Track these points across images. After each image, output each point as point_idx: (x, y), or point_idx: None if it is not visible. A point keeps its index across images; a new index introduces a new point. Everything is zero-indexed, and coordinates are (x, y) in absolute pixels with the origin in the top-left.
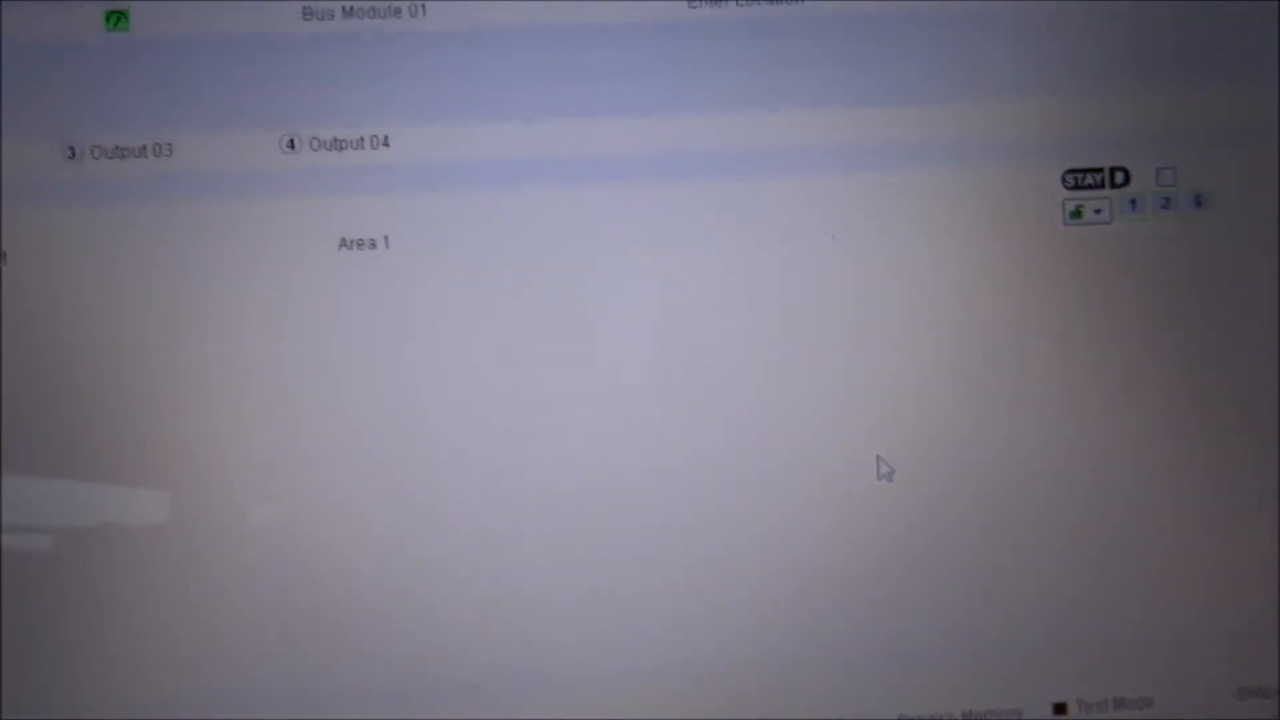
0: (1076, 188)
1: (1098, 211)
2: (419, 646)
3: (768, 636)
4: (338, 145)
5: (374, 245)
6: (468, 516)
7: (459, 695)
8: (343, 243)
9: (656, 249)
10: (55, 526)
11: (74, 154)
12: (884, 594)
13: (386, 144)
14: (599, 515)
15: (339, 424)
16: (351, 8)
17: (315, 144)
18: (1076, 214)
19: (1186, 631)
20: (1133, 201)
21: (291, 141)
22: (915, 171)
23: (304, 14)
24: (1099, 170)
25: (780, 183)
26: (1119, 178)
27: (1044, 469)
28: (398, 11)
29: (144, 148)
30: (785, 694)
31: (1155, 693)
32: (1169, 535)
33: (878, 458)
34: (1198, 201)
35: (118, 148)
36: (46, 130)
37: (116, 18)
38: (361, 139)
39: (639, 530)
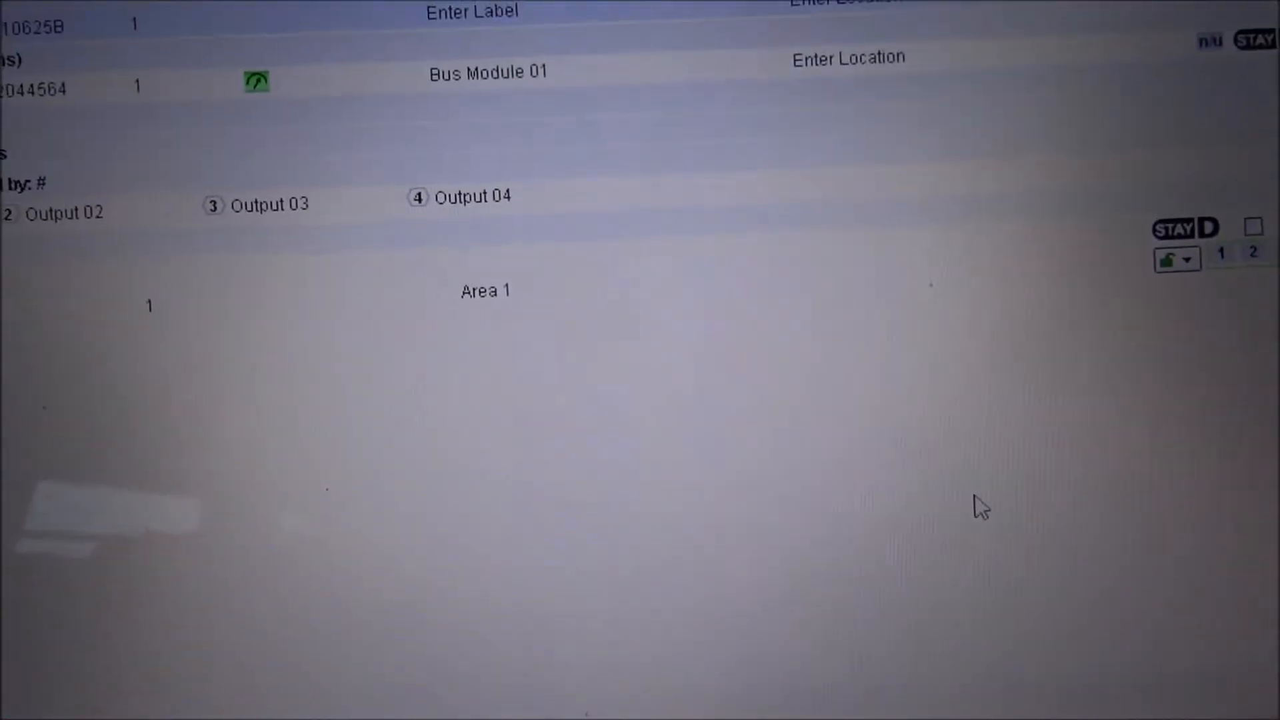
0: (1167, 237)
1: (1187, 260)
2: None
3: (864, 672)
4: (462, 198)
5: (495, 293)
6: (568, 554)
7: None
8: (466, 290)
9: (762, 296)
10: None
11: (216, 207)
12: (980, 631)
13: (508, 197)
14: (704, 553)
15: (460, 463)
16: (476, 68)
17: (441, 197)
18: (1167, 262)
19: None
20: (1221, 250)
21: (419, 195)
22: (1011, 221)
23: (431, 75)
24: (1189, 220)
25: (880, 233)
26: (1208, 227)
27: (1137, 508)
28: (519, 71)
29: (281, 201)
30: None
31: None
32: (1265, 575)
33: (974, 497)
34: None
35: (257, 201)
36: (190, 184)
37: (256, 79)
38: (484, 192)
39: (739, 571)
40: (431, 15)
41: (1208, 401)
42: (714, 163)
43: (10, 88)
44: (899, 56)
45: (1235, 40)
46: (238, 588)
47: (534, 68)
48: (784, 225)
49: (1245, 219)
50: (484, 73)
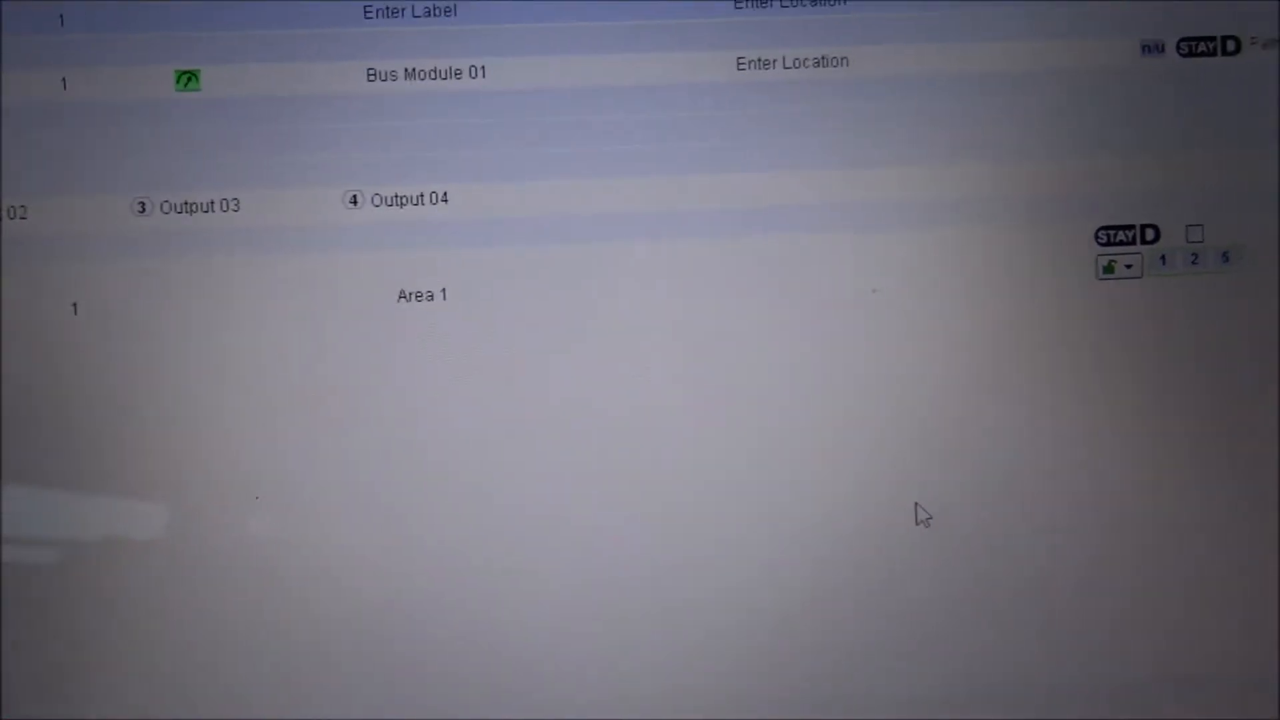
0: (1109, 244)
1: (1129, 267)
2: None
3: (806, 682)
4: (399, 201)
5: (432, 297)
6: (514, 560)
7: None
8: (402, 294)
9: (703, 302)
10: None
11: (144, 209)
12: (923, 639)
13: (445, 200)
14: (637, 562)
15: (395, 469)
16: (414, 69)
17: (377, 200)
18: (1109, 269)
19: (1218, 673)
20: (1163, 257)
21: (355, 198)
22: (955, 227)
23: (368, 75)
24: (1130, 227)
25: (824, 238)
26: (1150, 235)
27: (1079, 513)
28: (458, 73)
29: (212, 203)
30: None
31: None
32: (1199, 580)
33: (915, 504)
34: (1225, 258)
35: (187, 203)
36: (119, 186)
37: (188, 78)
38: (421, 195)
39: (677, 578)
40: (368, 15)
41: (1150, 407)
42: (655, 167)
43: None
44: (843, 61)
45: (1178, 48)
46: (162, 591)
47: (473, 69)
48: (725, 230)
49: (1187, 226)
50: (422, 74)
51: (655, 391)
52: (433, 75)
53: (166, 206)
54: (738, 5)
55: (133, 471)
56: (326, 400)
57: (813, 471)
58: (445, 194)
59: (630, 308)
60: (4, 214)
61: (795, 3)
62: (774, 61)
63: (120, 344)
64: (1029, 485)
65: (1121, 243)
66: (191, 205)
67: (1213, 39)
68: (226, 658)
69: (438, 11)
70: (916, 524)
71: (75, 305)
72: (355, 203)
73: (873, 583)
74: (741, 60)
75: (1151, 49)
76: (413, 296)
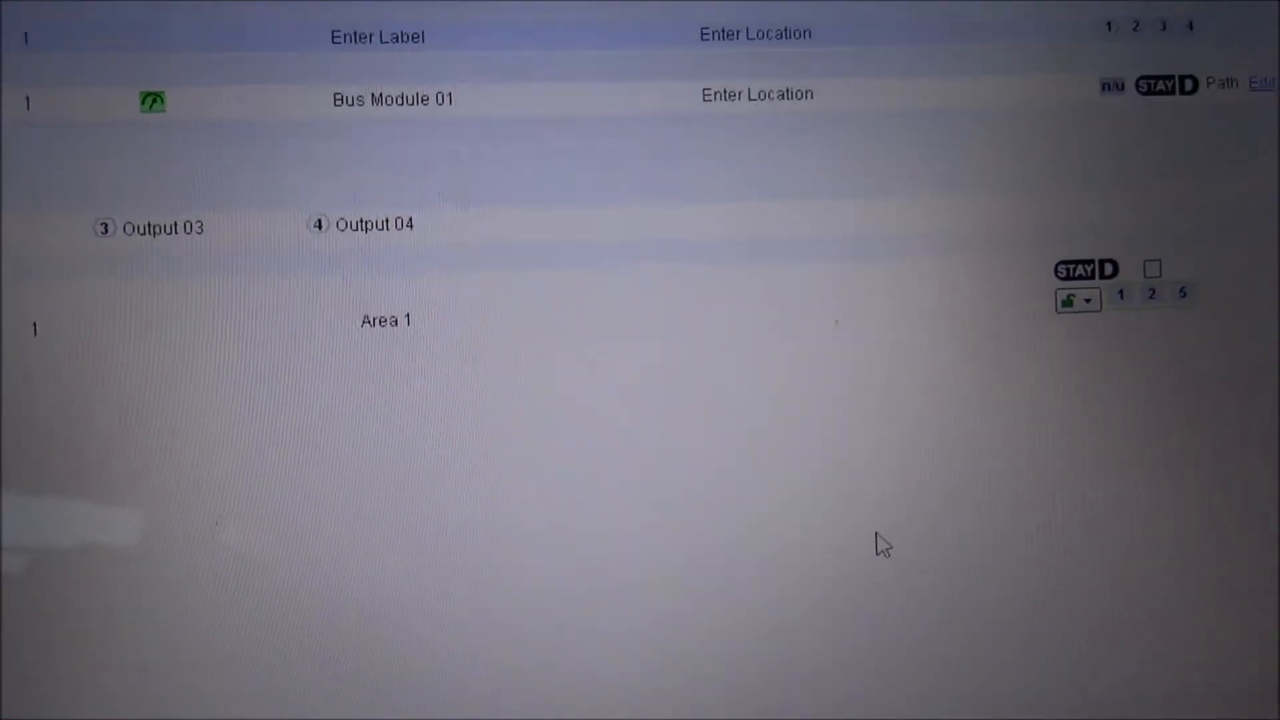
0: (1068, 278)
1: (1088, 301)
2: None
3: (768, 712)
4: (363, 226)
5: (395, 323)
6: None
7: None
8: (365, 320)
9: (666, 331)
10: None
11: (107, 230)
12: (883, 668)
13: (410, 225)
14: (605, 585)
15: (358, 494)
16: (381, 94)
17: (342, 224)
18: (1068, 303)
19: (1180, 697)
20: (1121, 291)
21: (319, 222)
22: (917, 261)
23: (335, 100)
24: (1089, 262)
25: (787, 270)
26: (1108, 269)
27: (1037, 545)
28: (425, 99)
29: (175, 225)
30: None
31: None
32: (1158, 608)
33: (876, 535)
34: (1182, 292)
35: (150, 225)
36: (81, 207)
37: (153, 99)
38: (386, 220)
39: (642, 610)
40: (336, 39)
41: (1107, 439)
42: (619, 196)
43: None
44: (807, 94)
45: (1137, 86)
46: (123, 608)
47: (440, 95)
48: (688, 260)
49: (1145, 261)
50: (389, 99)
51: (617, 420)
52: (400, 100)
53: (129, 228)
54: (704, 37)
55: (92, 495)
56: (289, 425)
57: (772, 502)
58: (410, 219)
59: (592, 336)
60: None
61: (761, 36)
62: (739, 93)
63: (80, 366)
64: (989, 516)
65: (1081, 277)
66: (155, 227)
67: (1171, 78)
68: (200, 666)
69: (406, 37)
70: (877, 554)
71: (35, 325)
72: (320, 227)
73: (833, 613)
74: (707, 91)
75: (1111, 87)
76: (377, 322)
